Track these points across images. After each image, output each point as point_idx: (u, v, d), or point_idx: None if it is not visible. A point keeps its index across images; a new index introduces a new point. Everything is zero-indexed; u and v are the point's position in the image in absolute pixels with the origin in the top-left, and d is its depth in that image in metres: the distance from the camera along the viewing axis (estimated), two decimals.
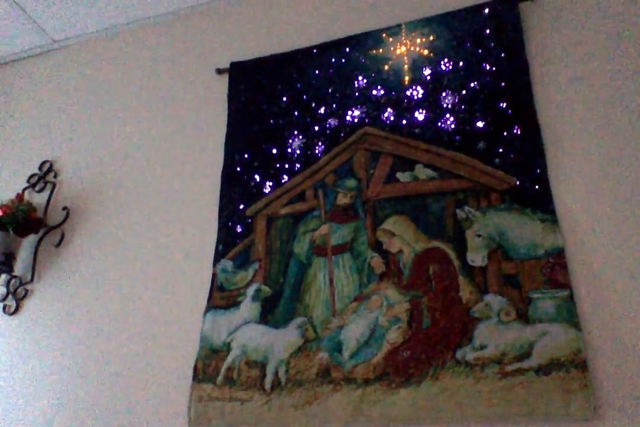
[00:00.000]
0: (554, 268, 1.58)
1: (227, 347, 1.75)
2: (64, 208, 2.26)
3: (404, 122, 1.93)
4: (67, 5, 2.54)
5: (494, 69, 1.92)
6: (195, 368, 1.75)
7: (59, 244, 2.20)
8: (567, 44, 1.89)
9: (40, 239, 2.22)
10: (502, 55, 1.93)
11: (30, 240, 2.22)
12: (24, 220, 2.18)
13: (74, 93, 2.56)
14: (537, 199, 1.69)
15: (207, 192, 2.07)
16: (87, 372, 1.90)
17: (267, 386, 1.65)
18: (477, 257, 1.65)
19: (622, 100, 1.73)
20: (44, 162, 2.42)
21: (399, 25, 2.10)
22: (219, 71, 2.31)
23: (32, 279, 2.16)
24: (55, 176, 2.37)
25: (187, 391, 1.72)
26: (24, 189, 2.37)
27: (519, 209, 1.69)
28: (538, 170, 1.73)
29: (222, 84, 2.28)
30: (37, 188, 2.37)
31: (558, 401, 1.41)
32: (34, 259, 2.18)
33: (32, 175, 2.40)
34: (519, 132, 1.80)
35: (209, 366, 1.74)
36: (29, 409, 1.92)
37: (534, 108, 1.82)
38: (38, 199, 2.32)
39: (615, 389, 1.39)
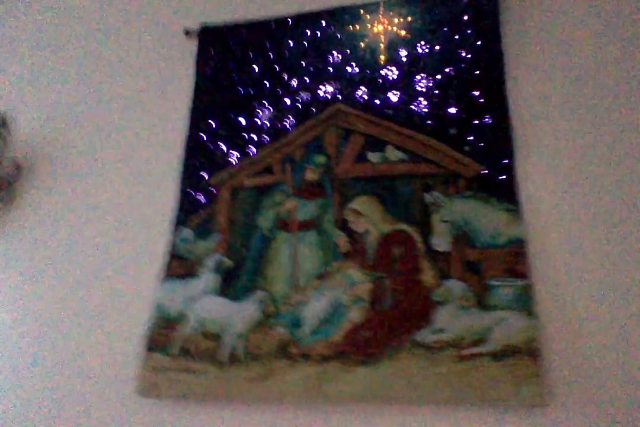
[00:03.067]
0: (515, 258, 1.62)
1: (183, 317, 1.71)
2: (15, 164, 2.13)
3: (377, 102, 1.91)
4: None
5: (469, 56, 1.92)
6: (148, 337, 1.71)
7: (7, 202, 2.08)
8: (544, 37, 1.91)
9: None
10: (479, 43, 1.93)
11: None
12: None
13: (30, 45, 2.40)
14: (503, 188, 1.72)
15: (168, 157, 1.99)
16: (35, 333, 1.82)
17: (223, 358, 1.63)
18: (441, 242, 1.68)
19: (595, 96, 1.77)
20: None
21: (377, 3, 2.07)
22: (187, 33, 2.21)
23: None
24: (6, 129, 2.22)
25: (137, 359, 1.68)
26: None
27: (485, 198, 1.72)
28: (506, 161, 1.75)
29: (189, 46, 2.19)
30: None
31: (509, 387, 1.45)
32: None
33: None
34: (489, 121, 1.81)
35: (163, 335, 1.70)
36: None
37: (506, 98, 1.84)
38: None
39: (565, 378, 1.45)
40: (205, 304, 1.72)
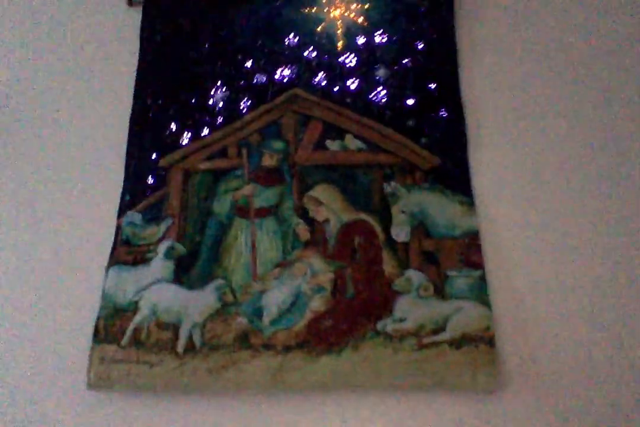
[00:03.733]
0: (469, 249, 1.68)
1: (134, 306, 1.63)
2: None
3: (336, 89, 1.90)
4: None
5: (425, 48, 1.95)
6: (96, 328, 1.61)
7: None
8: (495, 34, 1.98)
9: None
10: (434, 36, 1.96)
11: None
12: None
13: None
14: (457, 181, 1.77)
15: (113, 137, 1.87)
16: None
17: (180, 349, 1.57)
18: (400, 233, 1.70)
19: (546, 91, 1.87)
20: None
21: None
22: (131, 3, 2.08)
23: None
24: None
25: (86, 352, 1.58)
26: None
27: (440, 190, 1.76)
28: (460, 154, 1.80)
29: (133, 17, 2.05)
30: None
31: (467, 374, 1.51)
32: None
33: None
34: (445, 115, 1.85)
35: (113, 326, 1.61)
36: None
37: (459, 92, 1.88)
38: None
39: (519, 364, 1.53)
40: (158, 293, 1.64)
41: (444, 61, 1.93)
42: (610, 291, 1.59)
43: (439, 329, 1.57)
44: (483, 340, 1.54)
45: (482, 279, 1.63)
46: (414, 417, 1.52)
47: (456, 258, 1.67)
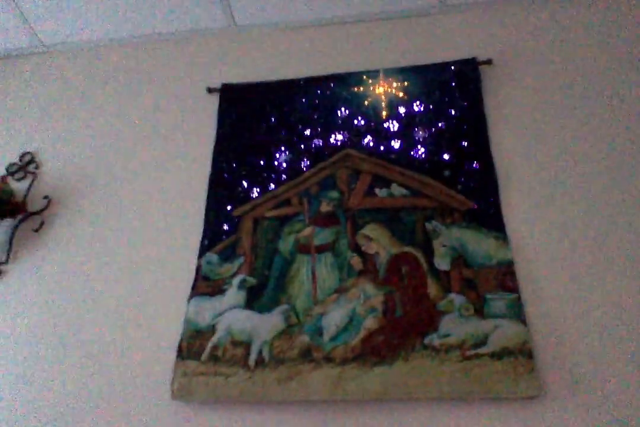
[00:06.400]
0: (505, 275, 1.88)
1: (212, 328, 1.89)
2: (45, 197, 2.33)
3: (382, 148, 2.23)
4: (63, 12, 2.69)
5: (457, 114, 2.28)
6: (180, 347, 1.87)
7: (37, 230, 2.26)
8: (516, 99, 2.30)
9: (18, 224, 2.26)
10: (464, 104, 2.30)
11: (6, 224, 2.26)
12: (3, 202, 2.23)
13: (61, 96, 2.67)
14: (491, 220, 2.01)
15: (194, 193, 2.23)
16: (65, 352, 1.98)
17: (251, 362, 1.80)
18: (442, 263, 1.93)
19: (559, 147, 2.14)
20: (24, 154, 2.49)
21: (377, 71, 2.43)
22: (210, 90, 2.53)
23: (6, 261, 2.20)
24: (36, 167, 2.45)
25: (170, 368, 1.83)
26: (2, 177, 2.42)
27: (476, 227, 2.00)
28: (492, 199, 2.06)
29: (212, 101, 2.49)
30: (16, 177, 2.43)
31: (509, 382, 1.67)
32: (10, 242, 2.22)
33: (11, 164, 2.46)
34: (477, 167, 2.14)
35: (194, 345, 1.87)
36: (4, 392, 1.95)
37: (489, 149, 2.18)
38: (16, 187, 2.38)
39: (555, 373, 1.68)
40: (232, 316, 1.91)
41: (474, 123, 2.24)
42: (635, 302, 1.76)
43: (481, 343, 1.75)
44: (522, 352, 1.71)
45: (518, 301, 1.82)
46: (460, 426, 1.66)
47: (493, 283, 1.87)
